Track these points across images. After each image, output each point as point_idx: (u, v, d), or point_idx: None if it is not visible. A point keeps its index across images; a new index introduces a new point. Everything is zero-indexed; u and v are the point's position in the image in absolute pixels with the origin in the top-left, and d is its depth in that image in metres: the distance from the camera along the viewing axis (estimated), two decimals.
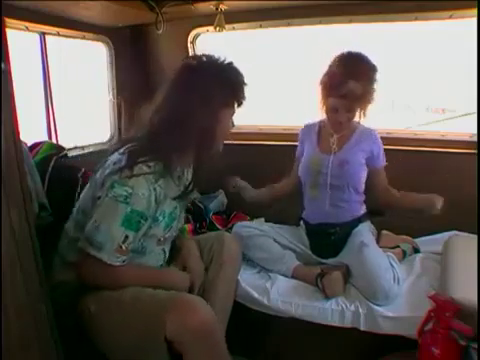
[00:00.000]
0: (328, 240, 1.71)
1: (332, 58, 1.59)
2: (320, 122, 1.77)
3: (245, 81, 1.24)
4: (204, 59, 1.23)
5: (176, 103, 1.19)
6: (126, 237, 1.13)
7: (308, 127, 1.81)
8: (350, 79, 1.50)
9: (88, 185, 1.28)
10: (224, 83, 1.20)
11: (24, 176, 0.85)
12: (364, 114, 1.61)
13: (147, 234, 1.22)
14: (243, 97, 1.25)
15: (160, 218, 1.22)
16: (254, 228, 1.74)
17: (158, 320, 1.07)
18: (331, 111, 1.60)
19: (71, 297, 1.19)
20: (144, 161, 1.15)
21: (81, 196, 1.30)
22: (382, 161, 1.70)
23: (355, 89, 1.50)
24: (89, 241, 1.12)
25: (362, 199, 1.75)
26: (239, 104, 1.27)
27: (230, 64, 1.24)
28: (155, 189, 1.16)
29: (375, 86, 1.56)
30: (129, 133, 2.09)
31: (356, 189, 1.70)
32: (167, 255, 1.38)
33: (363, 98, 1.54)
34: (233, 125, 1.32)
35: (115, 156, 1.21)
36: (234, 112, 1.28)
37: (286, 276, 1.65)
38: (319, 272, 1.57)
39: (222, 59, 1.23)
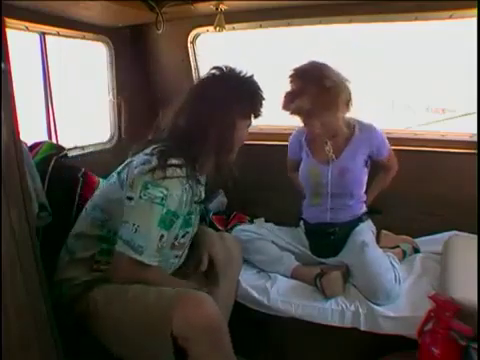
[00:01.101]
0: (328, 240, 1.71)
1: None
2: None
3: (263, 95, 1.30)
4: (226, 70, 1.29)
5: (199, 110, 1.24)
6: (162, 236, 1.17)
7: (296, 136, 1.80)
8: (295, 98, 1.50)
9: (108, 184, 1.29)
10: (244, 95, 1.27)
11: (24, 176, 0.85)
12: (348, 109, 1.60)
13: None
14: (260, 110, 1.31)
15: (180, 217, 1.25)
16: (252, 232, 1.75)
17: (164, 316, 1.07)
18: (304, 124, 1.61)
19: (78, 292, 1.20)
20: (177, 165, 1.19)
21: (98, 194, 1.32)
22: (386, 151, 1.69)
23: (303, 105, 1.50)
24: (129, 245, 1.13)
25: (363, 199, 1.75)
26: (256, 116, 1.33)
27: (250, 77, 1.30)
28: (186, 190, 1.21)
29: (335, 89, 1.50)
30: (129, 133, 2.11)
31: (358, 193, 1.69)
32: (179, 263, 1.39)
33: (320, 109, 1.51)
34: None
35: (141, 157, 1.23)
36: (250, 123, 1.34)
37: (286, 277, 1.65)
38: (318, 272, 1.57)
39: (244, 72, 1.30)
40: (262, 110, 1.32)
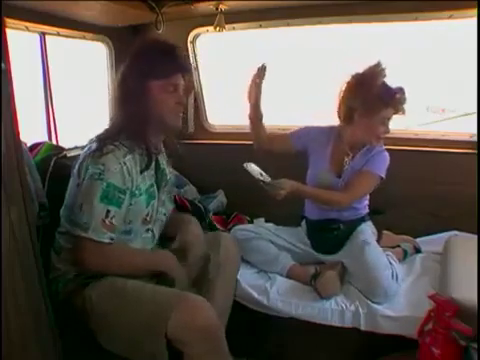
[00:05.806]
0: (330, 235, 1.71)
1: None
2: (334, 132, 1.70)
3: (176, 51, 1.26)
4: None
5: (120, 86, 1.26)
6: (108, 211, 1.17)
7: (318, 134, 1.73)
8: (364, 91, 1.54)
9: (70, 182, 1.32)
10: (148, 54, 1.24)
11: (24, 176, 0.85)
12: None
13: (131, 211, 1.25)
14: (176, 66, 1.26)
15: (137, 192, 1.25)
16: (250, 231, 1.75)
17: (161, 316, 1.07)
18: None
19: (72, 288, 1.21)
20: (110, 142, 1.21)
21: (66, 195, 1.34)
22: (368, 167, 1.61)
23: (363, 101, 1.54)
24: (76, 224, 1.17)
25: (367, 200, 1.74)
26: (171, 70, 1.25)
27: (158, 39, 1.31)
28: (125, 163, 1.21)
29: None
30: None
31: (362, 199, 1.70)
32: (156, 239, 1.40)
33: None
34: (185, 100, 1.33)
35: (86, 148, 1.28)
36: (175, 84, 1.26)
37: (282, 276, 1.66)
38: (313, 273, 1.57)
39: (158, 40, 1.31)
40: (184, 65, 1.27)
